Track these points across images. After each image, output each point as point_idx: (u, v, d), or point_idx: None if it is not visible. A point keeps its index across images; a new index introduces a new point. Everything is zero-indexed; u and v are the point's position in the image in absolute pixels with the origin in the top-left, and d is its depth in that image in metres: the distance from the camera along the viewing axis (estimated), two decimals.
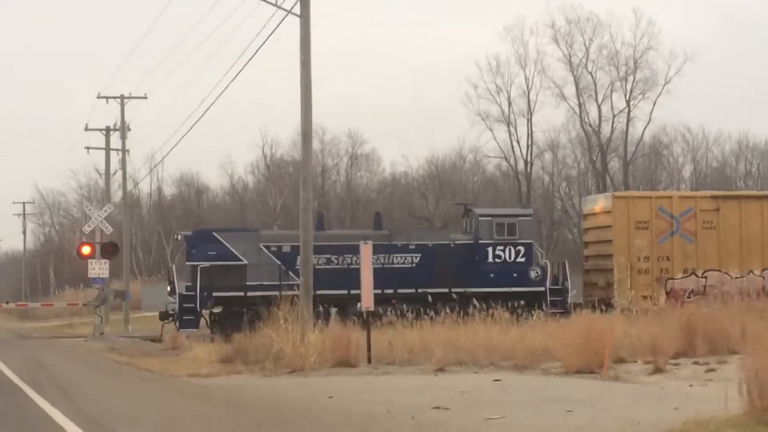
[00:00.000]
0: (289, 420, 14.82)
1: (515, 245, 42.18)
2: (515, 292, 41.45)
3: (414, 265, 42.08)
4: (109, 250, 41.53)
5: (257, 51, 31.16)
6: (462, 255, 42.16)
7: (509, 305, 40.72)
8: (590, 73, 74.77)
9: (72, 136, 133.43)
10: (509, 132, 76.53)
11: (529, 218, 43.82)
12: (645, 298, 40.50)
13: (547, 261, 43.95)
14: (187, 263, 42.14)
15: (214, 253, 40.57)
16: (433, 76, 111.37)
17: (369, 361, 23.83)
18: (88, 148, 66.06)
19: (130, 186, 68.10)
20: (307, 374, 22.29)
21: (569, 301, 41.93)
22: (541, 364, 22.41)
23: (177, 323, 42.40)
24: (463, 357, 23.89)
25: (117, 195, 66.92)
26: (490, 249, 41.88)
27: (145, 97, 62.84)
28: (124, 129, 62.26)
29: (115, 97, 62.19)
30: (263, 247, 41.21)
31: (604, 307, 40.39)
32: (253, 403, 16.93)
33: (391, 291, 41.51)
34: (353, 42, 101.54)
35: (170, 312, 41.71)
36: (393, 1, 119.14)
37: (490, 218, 42.49)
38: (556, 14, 75.65)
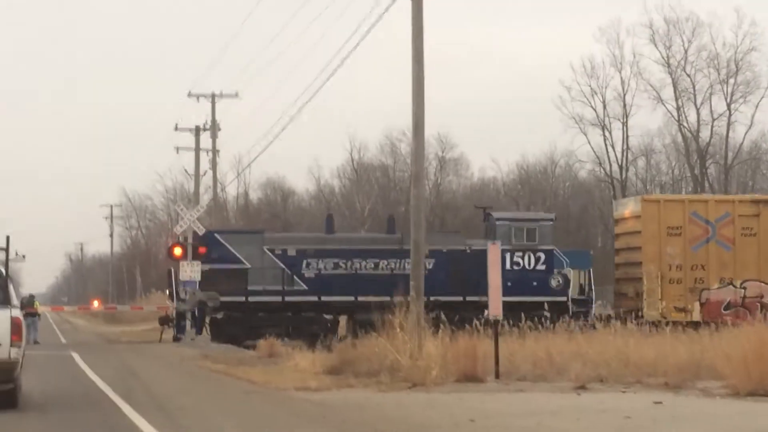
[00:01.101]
0: None
1: (535, 252, 40.11)
2: (534, 301, 39.21)
3: (426, 271, 40.28)
4: (202, 251, 39.41)
5: (359, 43, 29.12)
6: (478, 261, 39.90)
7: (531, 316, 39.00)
8: (689, 76, 71.80)
9: (160, 138, 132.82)
10: (603, 136, 73.99)
11: (551, 223, 41.46)
12: (677, 310, 38.16)
13: (570, 269, 41.30)
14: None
15: (216, 255, 39.00)
16: (525, 79, 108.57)
17: (497, 375, 21.31)
18: (177, 148, 64.65)
19: (217, 189, 66.37)
20: (429, 390, 19.85)
21: (593, 313, 39.51)
22: (697, 382, 19.74)
23: (174, 329, 40.60)
24: (601, 372, 21.29)
25: (203, 198, 65.33)
26: (507, 255, 39.51)
27: (237, 96, 61.20)
28: (214, 127, 60.55)
29: (205, 95, 60.65)
30: (267, 250, 39.73)
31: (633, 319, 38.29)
32: (381, 426, 14.51)
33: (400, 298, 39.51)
34: (442, 45, 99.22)
35: (171, 317, 39.95)
36: (481, 4, 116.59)
37: (508, 223, 40.47)
38: (654, 14, 72.64)
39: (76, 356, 31.73)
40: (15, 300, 16.93)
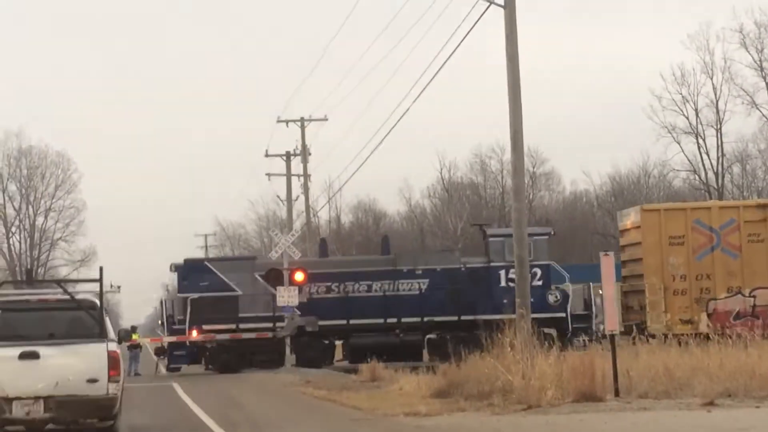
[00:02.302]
0: None
1: (530, 267, 38.61)
2: (532, 318, 38.52)
3: (421, 291, 39.30)
4: (299, 276, 38.71)
5: (450, 55, 28.34)
6: (473, 279, 39.09)
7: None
8: None
9: (251, 165, 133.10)
10: (697, 144, 72.36)
11: (546, 238, 40.09)
12: (683, 322, 36.36)
13: (568, 284, 40.07)
14: (177, 295, 39.87)
15: (206, 283, 38.43)
16: (613, 90, 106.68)
17: (616, 393, 20.13)
18: (269, 174, 64.44)
19: (310, 214, 65.93)
20: (546, 411, 18.77)
21: (594, 328, 37.92)
22: None
23: (167, 360, 39.87)
24: (728, 386, 20.00)
25: (296, 224, 64.87)
26: (502, 272, 38.74)
27: (326, 119, 60.78)
28: (305, 152, 60.11)
29: (295, 121, 60.31)
30: (258, 277, 38.94)
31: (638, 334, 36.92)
32: None
33: (394, 320, 38.51)
34: (528, 57, 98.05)
35: (165, 348, 39.25)
36: (567, 14, 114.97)
37: (501, 239, 39.18)
38: (744, 18, 70.64)
39: (176, 387, 31.17)
40: (112, 333, 16.30)
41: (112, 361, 15.27)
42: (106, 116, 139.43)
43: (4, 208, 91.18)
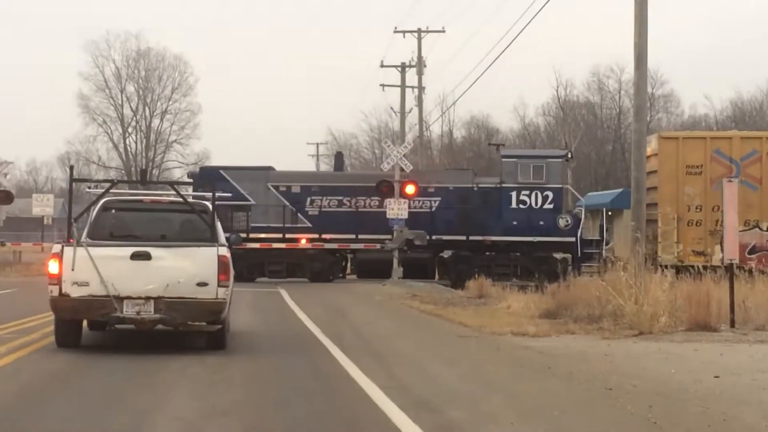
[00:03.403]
0: (689, 417, 10.96)
1: (542, 190, 38.06)
2: (541, 242, 37.84)
3: (432, 209, 38.71)
4: (410, 189, 38.48)
5: None
6: (485, 200, 38.40)
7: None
8: None
9: (366, 76, 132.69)
10: None
11: (560, 160, 39.02)
12: (696, 253, 35.16)
13: (581, 208, 39.09)
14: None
15: (220, 192, 38.12)
16: (741, 17, 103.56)
17: (732, 324, 19.59)
18: (383, 85, 64.20)
19: (422, 127, 65.54)
20: (658, 338, 18.32)
21: (604, 255, 36.71)
22: None
23: None
24: None
25: (408, 136, 64.53)
26: (513, 194, 38.14)
27: (443, 31, 60.16)
28: (420, 63, 59.61)
29: (412, 31, 59.78)
30: (272, 187, 38.63)
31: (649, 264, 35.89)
32: (614, 380, 13.14)
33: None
34: None
35: None
36: None
37: (515, 159, 38.73)
38: None
39: (284, 293, 31.34)
40: (222, 237, 16.25)
41: (222, 265, 15.23)
42: (224, 21, 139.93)
43: (122, 108, 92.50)
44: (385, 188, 38.36)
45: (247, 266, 37.77)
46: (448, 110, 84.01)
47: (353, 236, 38.49)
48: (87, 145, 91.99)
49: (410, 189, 38.08)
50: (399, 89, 62.44)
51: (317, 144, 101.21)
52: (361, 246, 38.86)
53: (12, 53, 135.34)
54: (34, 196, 48.69)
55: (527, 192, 38.17)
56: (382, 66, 61.99)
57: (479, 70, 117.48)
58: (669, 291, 20.27)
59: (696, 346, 17.16)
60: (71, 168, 19.97)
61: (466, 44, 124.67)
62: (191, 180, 38.54)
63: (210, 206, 16.41)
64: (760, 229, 35.66)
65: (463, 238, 38.30)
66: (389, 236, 38.24)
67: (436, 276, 39.78)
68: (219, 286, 15.16)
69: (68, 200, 17.10)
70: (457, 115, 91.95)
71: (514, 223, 38.21)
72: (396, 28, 59.93)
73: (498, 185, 38.65)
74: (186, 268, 15.17)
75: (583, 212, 38.99)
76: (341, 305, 27.17)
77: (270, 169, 40.69)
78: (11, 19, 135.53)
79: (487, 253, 38.71)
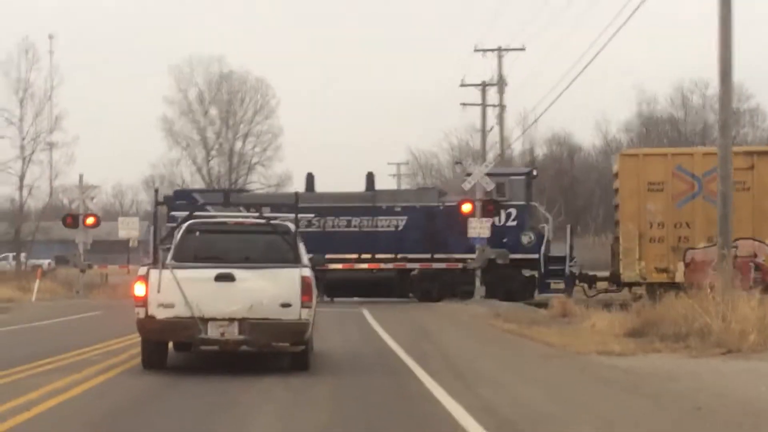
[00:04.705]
0: None
1: (506, 207, 38.14)
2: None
3: (398, 228, 38.61)
4: (491, 208, 38.42)
5: None
6: (451, 218, 38.16)
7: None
8: None
9: (446, 95, 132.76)
10: None
11: (523, 178, 39.10)
12: (658, 270, 34.92)
13: (545, 225, 38.86)
14: (167, 225, 39.79)
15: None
16: None
17: None
18: (463, 104, 64.24)
19: (504, 145, 65.39)
20: (747, 356, 17.99)
21: (567, 271, 37.54)
22: None
23: None
24: None
25: (489, 155, 64.41)
26: None
27: (523, 49, 60.04)
28: (501, 82, 59.59)
29: (492, 50, 59.82)
30: (243, 209, 38.02)
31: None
32: (703, 399, 12.92)
33: (368, 256, 37.97)
34: None
35: None
36: None
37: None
38: None
39: (366, 313, 31.37)
40: (305, 258, 16.31)
41: (305, 286, 15.28)
42: (305, 44, 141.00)
43: (205, 131, 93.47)
44: (467, 207, 38.32)
45: None
46: (530, 127, 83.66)
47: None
48: (171, 168, 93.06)
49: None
50: (480, 108, 62.43)
51: (398, 164, 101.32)
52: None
53: (98, 79, 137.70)
54: (120, 219, 49.30)
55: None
56: (462, 85, 62.09)
57: (560, 88, 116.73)
58: (758, 308, 19.92)
59: None
60: (156, 191, 20.23)
61: (547, 61, 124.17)
62: (184, 201, 39.14)
63: (293, 227, 16.49)
64: None
65: (428, 256, 38.55)
66: (355, 255, 38.57)
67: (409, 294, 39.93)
68: (302, 306, 15.21)
69: (153, 223, 17.30)
70: (538, 132, 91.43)
71: None
72: (476, 46, 60.02)
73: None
74: (269, 290, 15.25)
75: (547, 229, 38.97)
76: (424, 325, 27.12)
77: (242, 191, 41.18)
78: (100, 45, 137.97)
79: (454, 271, 38.71)
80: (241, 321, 15.16)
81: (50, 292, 45.68)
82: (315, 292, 15.97)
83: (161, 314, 15.21)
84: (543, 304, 35.63)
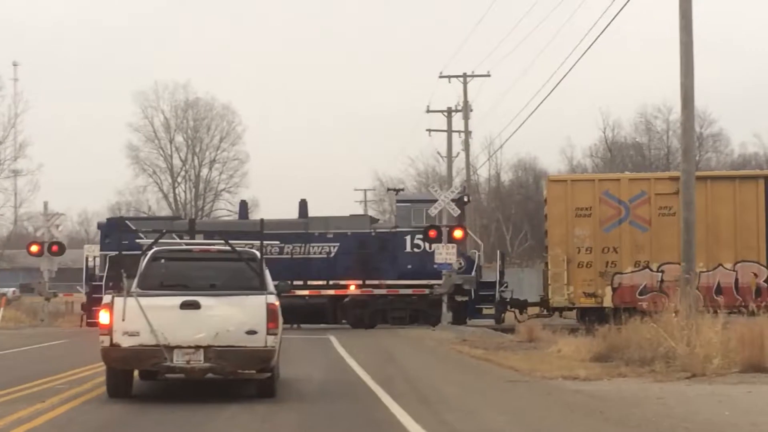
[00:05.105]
0: None
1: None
2: (434, 284, 38.17)
3: (331, 255, 39.18)
4: (458, 234, 38.52)
5: (613, 18, 27.48)
6: (382, 245, 39.05)
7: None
8: None
9: (412, 121, 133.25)
10: None
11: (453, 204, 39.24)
12: (587, 295, 35.61)
13: (476, 251, 39.72)
14: (100, 252, 40.52)
15: (126, 242, 38.40)
16: None
17: None
18: (429, 130, 64.59)
19: (469, 171, 65.60)
20: (711, 380, 18.13)
21: (497, 296, 38.22)
22: None
23: (84, 315, 41.15)
24: None
25: (456, 181, 64.59)
26: (408, 238, 38.85)
27: (488, 75, 60.36)
28: (466, 108, 59.81)
29: (457, 76, 60.04)
30: (176, 237, 38.27)
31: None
32: (667, 423, 13.00)
33: (300, 282, 37.99)
34: (700, 12, 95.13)
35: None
36: None
37: (408, 204, 39.63)
38: None
39: (333, 339, 31.34)
40: (271, 286, 16.30)
41: (271, 313, 15.27)
42: (269, 69, 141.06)
43: (171, 158, 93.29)
44: (432, 233, 38.41)
45: None
46: (495, 153, 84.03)
47: None
48: (137, 195, 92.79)
49: (458, 233, 38.24)
50: (446, 134, 62.60)
51: (365, 190, 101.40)
52: None
53: (63, 106, 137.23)
54: (86, 247, 49.11)
55: (421, 236, 38.83)
56: (428, 111, 62.31)
57: (525, 113, 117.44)
58: (722, 332, 20.07)
59: (750, 387, 16.96)
60: (121, 219, 20.16)
61: (512, 87, 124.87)
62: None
63: (258, 254, 16.48)
64: (651, 270, 35.68)
65: (360, 282, 38.77)
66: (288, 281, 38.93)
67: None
68: (268, 333, 15.19)
69: (119, 251, 17.25)
70: (504, 158, 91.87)
71: (409, 266, 39.15)
72: (441, 73, 60.29)
73: (393, 230, 39.29)
74: (235, 317, 15.23)
75: (478, 255, 39.43)
76: (391, 351, 27.11)
77: (175, 218, 41.28)
78: (61, 70, 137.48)
79: (384, 297, 39.01)
80: (207, 348, 15.12)
81: (15, 321, 45.35)
82: (280, 319, 15.95)
83: (126, 342, 15.15)
84: (510, 329, 35.73)
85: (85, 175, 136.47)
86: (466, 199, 41.56)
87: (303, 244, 39.35)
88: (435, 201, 39.82)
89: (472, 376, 20.55)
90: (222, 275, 16.36)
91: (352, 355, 24.86)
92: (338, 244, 39.40)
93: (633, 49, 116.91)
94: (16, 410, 14.20)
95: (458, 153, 62.70)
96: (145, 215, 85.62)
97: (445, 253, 38.57)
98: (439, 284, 38.25)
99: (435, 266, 38.54)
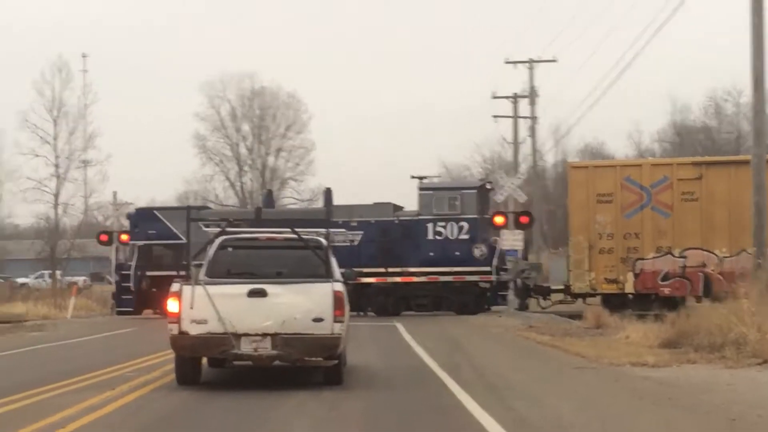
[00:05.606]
0: None
1: (457, 221, 38.60)
2: (457, 271, 38.24)
3: (355, 243, 38.99)
4: (524, 220, 38.45)
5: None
6: (405, 233, 38.96)
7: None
8: None
9: (478, 107, 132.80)
10: None
11: (474, 191, 39.32)
12: (608, 281, 35.30)
13: (497, 238, 39.06)
14: (130, 242, 41.12)
15: (154, 231, 39.66)
16: None
17: None
18: (495, 116, 64.23)
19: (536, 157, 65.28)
20: None
21: (520, 283, 38.08)
22: None
23: (114, 303, 41.49)
24: None
25: (522, 167, 64.35)
26: (430, 225, 38.83)
27: (555, 61, 60.03)
28: (533, 93, 59.53)
29: (523, 62, 59.84)
30: (203, 226, 38.09)
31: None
32: (738, 410, 12.85)
33: None
34: None
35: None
36: None
37: (431, 192, 39.57)
38: None
39: (399, 327, 31.39)
40: (337, 273, 16.34)
41: (337, 301, 15.32)
42: (336, 58, 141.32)
43: (238, 147, 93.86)
44: (499, 219, 38.39)
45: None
46: (562, 139, 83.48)
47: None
48: (204, 184, 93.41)
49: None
50: (512, 120, 62.41)
51: (420, 178, 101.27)
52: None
53: (131, 97, 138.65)
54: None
55: (443, 223, 38.93)
56: (494, 97, 62.08)
57: (592, 98, 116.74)
58: None
59: None
60: (188, 208, 20.33)
61: (579, 72, 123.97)
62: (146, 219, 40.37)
63: (324, 242, 16.54)
64: (673, 255, 35.23)
65: (383, 270, 38.91)
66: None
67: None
68: (334, 321, 15.24)
69: (186, 240, 17.40)
70: (571, 143, 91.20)
71: (431, 254, 38.98)
72: (507, 59, 60.00)
73: (416, 217, 39.16)
74: (301, 304, 15.30)
75: (499, 242, 39.23)
76: (457, 338, 27.09)
77: (203, 208, 41.58)
78: (132, 63, 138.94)
79: (409, 284, 39.00)
80: (274, 336, 15.21)
81: (86, 309, 45.98)
82: (347, 306, 15.99)
83: (194, 330, 15.28)
84: (577, 315, 35.56)
85: (153, 166, 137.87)
86: (488, 186, 41.44)
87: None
88: (457, 189, 39.90)
89: (538, 363, 20.46)
90: (289, 263, 16.44)
91: (418, 343, 24.87)
92: (362, 232, 39.51)
93: (702, 31, 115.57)
94: (85, 398, 14.40)
95: (524, 139, 62.51)
96: (214, 204, 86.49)
97: (512, 239, 38.47)
98: (465, 271, 38.37)
99: (507, 252, 38.61)
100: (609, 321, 31.86)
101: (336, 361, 15.83)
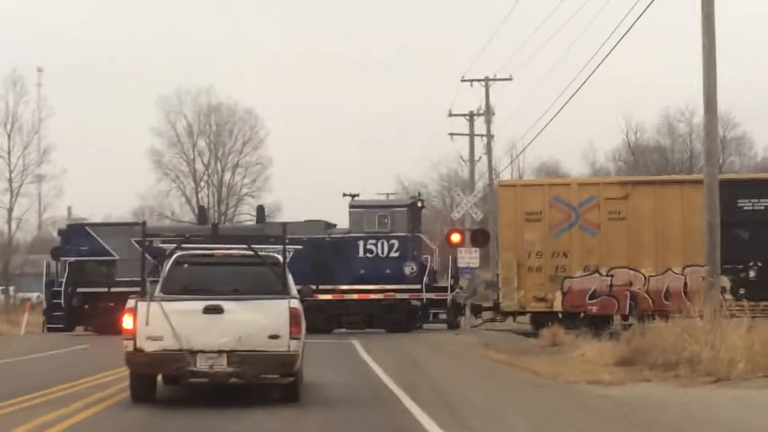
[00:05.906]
0: None
1: (388, 238, 38.62)
2: (388, 289, 38.23)
3: (287, 260, 38.65)
4: (480, 238, 38.61)
5: (635, 22, 27.43)
6: (337, 250, 39.06)
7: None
8: None
9: (434, 125, 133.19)
10: None
11: (405, 209, 39.40)
12: (537, 299, 35.54)
13: (428, 256, 39.46)
14: (61, 258, 40.76)
15: (86, 248, 39.44)
16: None
17: None
18: (451, 134, 64.39)
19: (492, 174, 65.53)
20: (736, 385, 18.02)
21: (450, 302, 38.00)
22: None
23: (45, 319, 41.04)
24: None
25: (478, 185, 64.54)
26: (361, 243, 38.81)
27: (510, 79, 60.23)
28: (488, 111, 59.75)
29: (479, 80, 59.95)
30: (135, 243, 37.34)
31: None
32: (691, 428, 12.94)
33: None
34: (723, 16, 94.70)
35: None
36: None
37: (361, 210, 39.33)
38: None
39: (356, 344, 31.34)
40: (293, 290, 16.30)
41: (294, 317, 15.28)
42: (291, 72, 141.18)
43: (194, 163, 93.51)
44: (456, 236, 38.57)
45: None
46: (518, 157, 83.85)
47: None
48: (160, 199, 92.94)
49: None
50: (468, 138, 62.60)
51: (387, 194, 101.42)
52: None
53: (86, 111, 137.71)
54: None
55: (374, 241, 38.89)
56: (450, 115, 62.26)
57: (548, 117, 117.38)
58: (746, 336, 19.96)
59: None
60: (144, 224, 20.23)
61: (534, 91, 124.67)
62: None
63: (281, 258, 16.49)
64: (600, 274, 35.65)
65: (314, 287, 38.89)
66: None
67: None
68: (291, 338, 15.20)
69: (141, 256, 17.30)
70: (526, 161, 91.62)
71: (362, 272, 38.94)
72: (463, 77, 60.20)
73: (347, 235, 39.38)
74: (258, 321, 15.24)
75: (430, 260, 39.45)
76: (413, 355, 27.08)
77: (134, 224, 41.52)
78: (87, 77, 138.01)
79: (340, 302, 39.01)
80: (230, 353, 15.14)
81: (39, 326, 45.49)
82: (304, 323, 15.95)
83: (150, 347, 15.18)
84: (532, 334, 35.69)
85: (109, 180, 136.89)
86: (420, 204, 41.56)
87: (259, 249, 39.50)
88: (388, 207, 39.94)
89: (495, 381, 20.51)
90: (245, 279, 16.38)
91: (374, 359, 24.84)
92: (294, 249, 39.49)
93: (656, 53, 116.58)
94: (38, 415, 14.26)
95: (480, 157, 62.71)
96: (170, 220, 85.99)
97: (468, 257, 38.58)
98: (393, 288, 38.34)
99: (463, 270, 38.67)
100: (565, 339, 32.00)
101: (293, 378, 15.77)
